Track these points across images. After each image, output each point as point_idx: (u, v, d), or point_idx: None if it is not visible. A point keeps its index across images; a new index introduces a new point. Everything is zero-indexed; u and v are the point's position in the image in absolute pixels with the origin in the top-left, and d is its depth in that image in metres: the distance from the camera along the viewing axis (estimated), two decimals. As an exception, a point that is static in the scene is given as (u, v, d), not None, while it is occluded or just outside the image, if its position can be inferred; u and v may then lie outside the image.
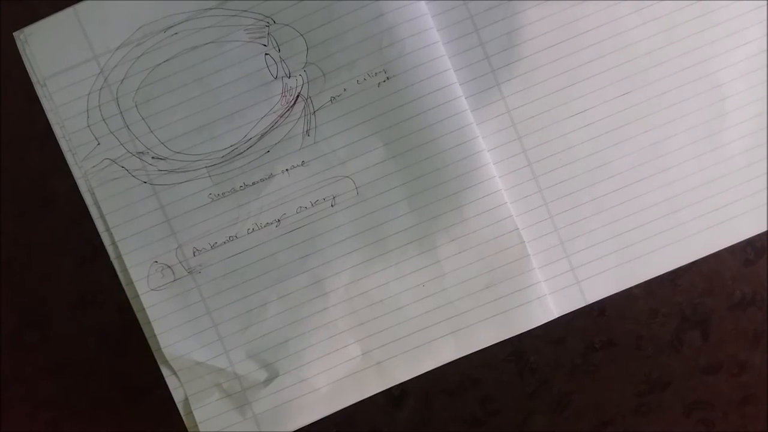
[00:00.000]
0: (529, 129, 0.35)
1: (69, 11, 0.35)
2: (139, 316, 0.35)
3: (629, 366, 0.36)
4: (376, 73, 0.34)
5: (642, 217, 0.35)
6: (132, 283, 0.35)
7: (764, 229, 0.35)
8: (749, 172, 0.35)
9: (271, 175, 0.35)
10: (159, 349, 0.35)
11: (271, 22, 0.35)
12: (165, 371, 0.35)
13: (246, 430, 0.35)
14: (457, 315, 0.35)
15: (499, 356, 0.36)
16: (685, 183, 0.35)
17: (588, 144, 0.35)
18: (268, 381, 0.35)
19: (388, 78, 0.34)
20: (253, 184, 0.35)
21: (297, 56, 0.35)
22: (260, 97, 0.35)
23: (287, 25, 0.35)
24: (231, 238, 0.35)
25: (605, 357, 0.36)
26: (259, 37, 0.35)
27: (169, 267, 0.35)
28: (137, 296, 0.35)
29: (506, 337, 0.35)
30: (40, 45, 0.35)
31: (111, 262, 0.35)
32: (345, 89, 0.35)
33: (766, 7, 0.35)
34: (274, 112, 0.35)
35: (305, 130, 0.35)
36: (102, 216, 0.35)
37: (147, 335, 0.35)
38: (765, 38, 0.35)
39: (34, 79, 0.35)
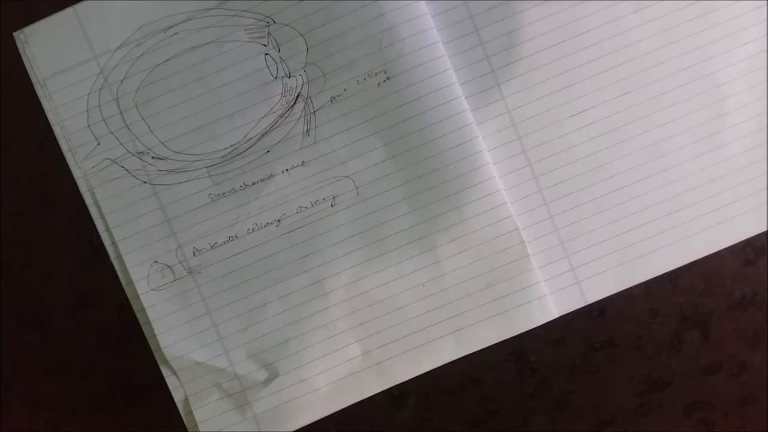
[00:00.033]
0: (529, 129, 0.35)
1: (69, 11, 0.35)
2: (139, 316, 0.35)
3: (629, 366, 0.36)
4: (376, 73, 0.34)
5: (642, 217, 0.35)
6: (132, 283, 0.35)
7: (764, 229, 0.35)
8: (749, 172, 0.35)
9: (271, 175, 0.35)
10: (159, 349, 0.35)
11: (271, 22, 0.35)
12: (165, 371, 0.35)
13: (246, 430, 0.35)
14: (457, 315, 0.35)
15: (499, 356, 0.36)
16: (685, 183, 0.35)
17: (588, 144, 0.35)
18: (268, 381, 0.35)
19: (388, 78, 0.34)
20: (253, 184, 0.35)
21: (297, 56, 0.35)
22: (260, 97, 0.35)
23: (287, 25, 0.35)
24: (231, 238, 0.35)
25: (605, 357, 0.36)
26: (259, 37, 0.35)
27: (169, 267, 0.35)
28: (137, 296, 0.35)
29: (506, 337, 0.35)
30: (40, 45, 0.35)
31: (111, 262, 0.35)
32: (345, 89, 0.35)
33: (766, 7, 0.35)
34: (274, 112, 0.35)
35: (305, 130, 0.35)
36: (102, 216, 0.35)
37: (147, 335, 0.35)
38: (765, 38, 0.35)
39: (34, 79, 0.35)
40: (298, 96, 0.35)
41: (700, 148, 0.35)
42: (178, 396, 0.35)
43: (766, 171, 0.35)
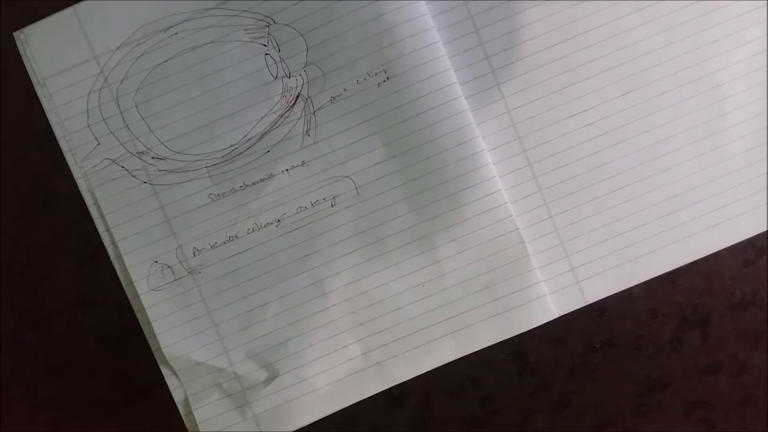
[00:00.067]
0: (529, 129, 0.35)
1: (69, 11, 0.35)
2: (139, 316, 0.35)
3: (629, 366, 0.36)
4: (376, 73, 0.34)
5: (642, 217, 0.35)
6: (132, 283, 0.35)
7: (764, 229, 0.35)
8: (749, 172, 0.35)
9: (271, 175, 0.35)
10: (159, 349, 0.35)
11: (271, 22, 0.35)
12: (165, 371, 0.35)
13: (246, 430, 0.35)
14: (457, 315, 0.35)
15: (499, 356, 0.36)
16: (685, 183, 0.35)
17: (588, 144, 0.35)
18: (268, 381, 0.35)
19: (388, 78, 0.34)
20: (253, 184, 0.35)
21: (297, 56, 0.35)
22: (260, 97, 0.35)
23: (287, 25, 0.35)
24: (231, 238, 0.35)
25: (605, 357, 0.36)
26: (259, 37, 0.35)
27: (169, 267, 0.35)
28: (137, 296, 0.35)
29: (506, 337, 0.35)
30: (40, 45, 0.35)
31: (111, 262, 0.35)
32: (345, 89, 0.35)
33: (766, 7, 0.35)
34: (274, 112, 0.35)
35: (305, 130, 0.35)
36: (102, 216, 0.35)
37: (147, 335, 0.35)
38: (765, 38, 0.35)
39: (34, 79, 0.35)
40: (298, 96, 0.35)
41: (700, 148, 0.35)
42: (178, 396, 0.35)
43: (766, 171, 0.35)
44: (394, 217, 0.35)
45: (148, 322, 0.35)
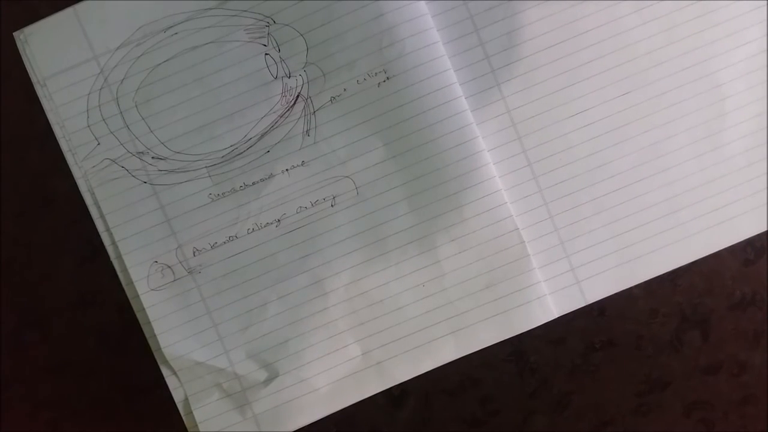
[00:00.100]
0: (529, 129, 0.35)
1: (69, 11, 0.35)
2: (139, 316, 0.35)
3: (629, 366, 0.36)
4: (376, 73, 0.34)
5: (642, 217, 0.35)
6: (132, 283, 0.35)
7: (764, 229, 0.35)
8: (749, 172, 0.35)
9: (271, 175, 0.35)
10: (159, 349, 0.35)
11: (271, 22, 0.35)
12: (165, 371, 0.35)
13: (246, 430, 0.35)
14: (457, 315, 0.35)
15: (499, 356, 0.36)
16: (685, 183, 0.35)
17: (588, 144, 0.35)
18: (268, 381, 0.35)
19: (388, 78, 0.34)
20: (253, 184, 0.35)
21: (297, 56, 0.35)
22: (260, 97, 0.35)
23: (287, 25, 0.35)
24: (231, 238, 0.35)
25: (605, 357, 0.36)
26: (259, 37, 0.35)
27: (169, 267, 0.35)
28: (137, 296, 0.35)
29: (506, 337, 0.35)
30: (40, 45, 0.35)
31: (111, 262, 0.35)
32: (345, 89, 0.35)
33: (766, 7, 0.35)
34: (274, 112, 0.35)
35: (305, 130, 0.35)
36: (102, 216, 0.35)
37: (147, 335, 0.35)
38: (765, 38, 0.35)
39: (34, 79, 0.35)
40: (298, 96, 0.35)
41: (700, 148, 0.35)
42: (178, 396, 0.35)
43: (766, 171, 0.35)
44: (394, 217, 0.35)
45: (148, 322, 0.35)
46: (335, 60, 0.35)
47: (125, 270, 0.35)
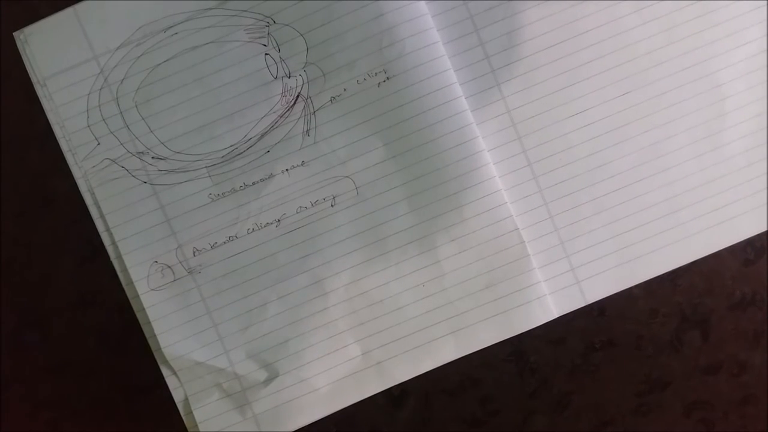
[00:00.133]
0: (529, 129, 0.35)
1: (69, 11, 0.35)
2: (139, 316, 0.35)
3: (629, 366, 0.36)
4: (376, 73, 0.34)
5: (642, 217, 0.35)
6: (132, 283, 0.35)
7: (764, 229, 0.35)
8: (749, 172, 0.35)
9: (271, 175, 0.35)
10: (159, 349, 0.35)
11: (271, 22, 0.35)
12: (165, 371, 0.35)
13: (246, 430, 0.35)
14: (457, 315, 0.35)
15: (499, 356, 0.36)
16: (685, 183, 0.35)
17: (588, 144, 0.35)
18: (268, 381, 0.35)
19: (388, 78, 0.34)
20: (253, 184, 0.35)
21: (297, 56, 0.35)
22: (260, 97, 0.35)
23: (287, 25, 0.35)
24: (231, 238, 0.35)
25: (605, 357, 0.36)
26: (259, 37, 0.35)
27: (169, 267, 0.35)
28: (137, 296, 0.35)
29: (506, 337, 0.35)
30: (40, 45, 0.35)
31: (111, 262, 0.35)
32: (345, 89, 0.35)
33: (766, 7, 0.35)
34: (274, 112, 0.35)
35: (305, 130, 0.35)
36: (102, 216, 0.35)
37: (147, 335, 0.35)
38: (765, 38, 0.35)
39: (34, 79, 0.35)
40: (298, 96, 0.35)
41: (700, 148, 0.35)
42: (178, 396, 0.35)
43: (766, 171, 0.35)
44: (394, 217, 0.35)
45: (148, 322, 0.35)
46: (335, 60, 0.35)
47: (125, 270, 0.35)
